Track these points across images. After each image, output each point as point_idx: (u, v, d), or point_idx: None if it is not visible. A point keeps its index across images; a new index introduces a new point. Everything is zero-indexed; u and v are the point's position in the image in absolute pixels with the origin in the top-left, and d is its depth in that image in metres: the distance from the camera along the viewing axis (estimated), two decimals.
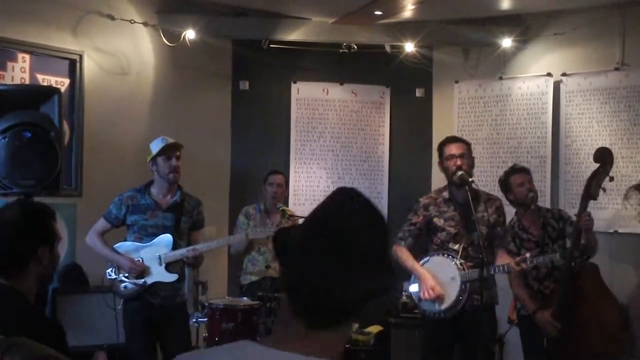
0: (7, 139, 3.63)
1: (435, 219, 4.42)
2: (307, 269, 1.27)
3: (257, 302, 4.93)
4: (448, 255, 4.37)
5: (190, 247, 4.54)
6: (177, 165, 4.51)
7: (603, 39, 5.66)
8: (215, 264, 5.95)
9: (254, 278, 5.44)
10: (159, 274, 4.48)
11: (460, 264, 4.30)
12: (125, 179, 5.54)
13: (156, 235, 4.50)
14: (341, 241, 1.27)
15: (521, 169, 4.77)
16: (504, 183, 4.73)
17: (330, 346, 1.30)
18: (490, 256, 4.29)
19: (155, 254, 4.48)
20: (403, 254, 4.42)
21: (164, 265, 4.48)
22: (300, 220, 5.55)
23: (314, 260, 1.27)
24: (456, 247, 4.37)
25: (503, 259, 4.34)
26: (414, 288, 4.47)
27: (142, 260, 4.47)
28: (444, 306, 4.32)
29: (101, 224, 4.57)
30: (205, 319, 4.90)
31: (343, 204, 1.32)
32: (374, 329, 6.03)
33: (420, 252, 4.53)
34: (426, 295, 4.29)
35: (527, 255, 4.27)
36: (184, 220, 4.58)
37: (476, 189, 4.31)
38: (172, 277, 4.51)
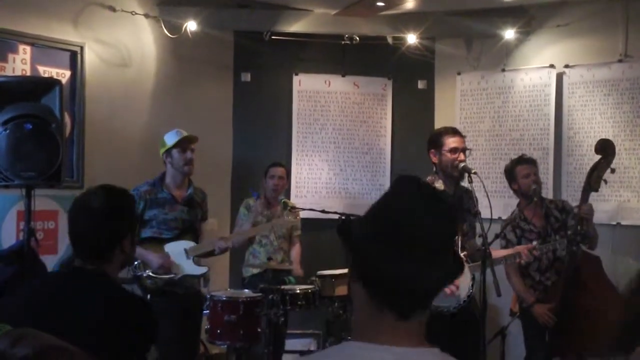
0: (8, 131, 3.62)
1: None
2: (383, 259, 1.29)
3: (259, 294, 4.93)
4: None
5: (224, 240, 4.61)
6: (192, 157, 4.52)
7: (606, 30, 5.64)
8: (217, 256, 5.94)
9: (255, 270, 5.44)
10: (188, 268, 4.47)
11: (464, 255, 4.29)
12: (126, 170, 5.54)
13: (177, 229, 4.48)
14: (411, 230, 1.30)
15: (528, 160, 4.74)
16: (510, 172, 4.71)
17: (419, 334, 1.34)
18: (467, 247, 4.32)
19: (180, 247, 4.47)
20: None
21: (192, 258, 4.47)
22: (301, 212, 5.62)
23: (388, 250, 1.29)
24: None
25: (499, 252, 4.33)
26: None
27: (169, 255, 4.45)
28: (462, 298, 4.15)
29: None
30: (207, 311, 4.90)
31: (407, 192, 1.36)
32: None
33: None
34: (453, 288, 4.06)
35: (535, 243, 4.28)
36: (198, 213, 4.62)
37: (471, 181, 4.28)
38: (202, 270, 4.54)
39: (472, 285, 4.23)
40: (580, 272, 4.32)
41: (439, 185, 4.38)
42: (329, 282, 5.12)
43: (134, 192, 4.44)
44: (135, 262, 4.41)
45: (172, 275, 4.42)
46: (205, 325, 4.97)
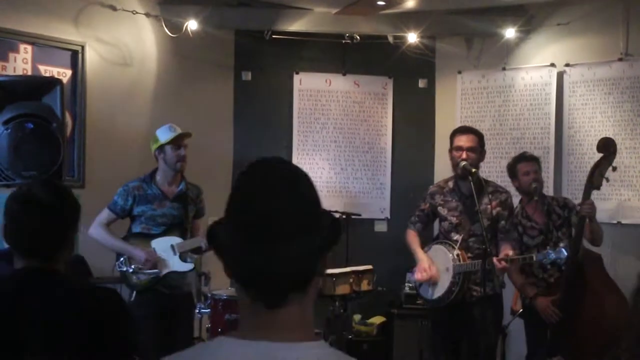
0: (9, 130, 3.62)
1: (439, 208, 4.48)
2: (238, 250, 1.25)
3: None
4: (448, 245, 4.40)
5: (205, 235, 4.53)
6: (185, 154, 4.50)
7: (607, 29, 5.64)
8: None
9: None
10: (174, 264, 4.45)
11: (457, 255, 4.31)
12: (128, 169, 5.53)
13: (165, 225, 4.47)
14: (251, 216, 1.25)
15: (530, 157, 4.75)
16: (511, 169, 4.72)
17: (303, 324, 1.28)
18: (493, 249, 4.29)
19: (167, 243, 4.46)
20: (410, 238, 4.59)
21: (178, 254, 4.45)
22: None
23: (239, 240, 1.24)
24: (457, 237, 4.38)
25: (506, 251, 4.34)
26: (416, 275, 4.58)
27: (155, 251, 4.43)
28: (436, 295, 4.40)
29: (106, 215, 4.48)
30: (208, 310, 4.91)
31: (246, 180, 1.33)
32: (377, 319, 6.04)
33: (429, 239, 4.76)
34: (418, 275, 4.42)
35: (510, 252, 4.28)
36: (190, 210, 4.58)
37: (483, 180, 4.32)
38: (188, 267, 4.50)
39: (451, 290, 4.28)
40: (583, 271, 4.32)
41: (451, 184, 4.46)
42: (329, 280, 5.11)
43: (123, 188, 4.46)
44: (121, 258, 4.41)
45: (156, 271, 4.38)
46: (206, 324, 4.97)
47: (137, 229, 4.49)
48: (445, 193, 4.49)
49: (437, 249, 4.49)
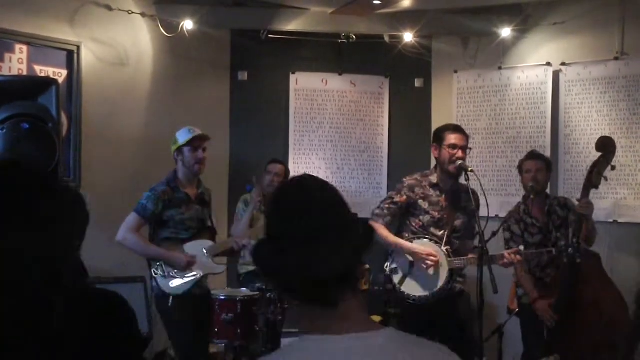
0: (4, 130, 3.61)
1: (420, 201, 4.34)
2: (284, 259, 1.37)
3: (257, 292, 4.94)
4: (434, 240, 4.32)
5: (239, 240, 4.64)
6: (204, 157, 4.44)
7: (602, 28, 5.64)
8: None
9: (251, 267, 5.44)
10: (209, 267, 4.44)
11: (447, 250, 4.30)
12: (124, 169, 5.54)
13: (193, 228, 4.42)
14: (294, 225, 1.39)
15: (536, 156, 4.77)
16: (519, 166, 4.78)
17: (361, 317, 1.40)
18: (462, 246, 4.33)
19: (199, 247, 4.43)
20: (382, 231, 4.32)
21: (210, 257, 4.45)
22: None
23: (285, 249, 1.37)
24: (439, 233, 4.33)
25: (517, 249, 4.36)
26: (393, 266, 4.37)
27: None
28: (431, 291, 4.27)
29: (136, 221, 4.31)
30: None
31: (285, 195, 1.47)
32: (374, 318, 6.03)
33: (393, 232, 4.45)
34: (428, 262, 4.20)
35: (521, 247, 4.29)
36: (208, 212, 4.58)
37: (468, 179, 4.30)
38: (221, 269, 4.53)
39: (448, 282, 4.26)
40: (580, 269, 4.32)
41: (433, 179, 4.40)
42: None
43: (152, 192, 4.32)
44: (158, 264, 4.33)
45: (197, 274, 4.36)
46: None
47: (165, 234, 4.38)
48: (425, 187, 4.38)
49: (426, 244, 4.31)
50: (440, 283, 4.28)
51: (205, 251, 4.44)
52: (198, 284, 4.41)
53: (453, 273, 4.30)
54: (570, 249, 4.25)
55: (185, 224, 4.39)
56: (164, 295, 4.30)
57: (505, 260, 4.24)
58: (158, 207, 4.29)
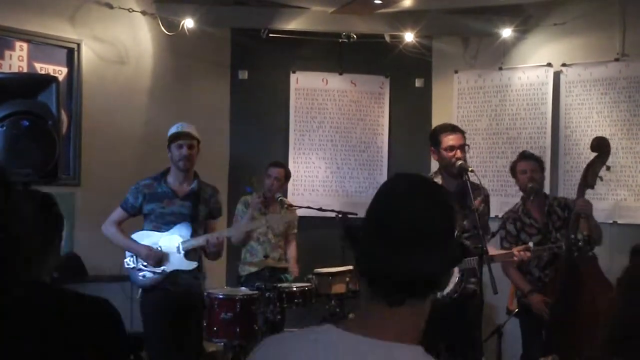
0: (4, 128, 3.60)
1: None
2: (373, 251, 1.35)
3: (256, 292, 4.93)
4: None
5: (215, 234, 4.54)
6: (187, 154, 4.45)
7: (603, 29, 5.65)
8: (213, 253, 5.93)
9: (252, 269, 5.41)
10: (178, 262, 4.44)
11: None
12: (123, 167, 5.53)
13: (174, 223, 4.46)
14: (393, 222, 1.35)
15: (528, 156, 4.73)
16: (512, 168, 4.73)
17: (409, 323, 1.36)
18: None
19: (174, 242, 4.45)
20: None
21: (182, 253, 4.44)
22: (298, 211, 5.63)
23: (376, 242, 1.34)
24: None
25: (491, 250, 4.32)
26: None
27: (161, 249, 4.43)
28: (446, 290, 4.25)
29: (118, 213, 4.51)
30: (204, 309, 4.89)
31: (393, 187, 1.42)
32: None
33: None
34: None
35: (530, 244, 4.29)
36: (201, 209, 4.55)
37: (468, 178, 4.29)
38: (191, 265, 4.49)
39: (461, 282, 4.24)
40: (578, 270, 4.32)
41: (437, 181, 4.38)
42: (325, 279, 5.12)
43: (135, 186, 4.49)
44: (130, 256, 4.45)
45: (162, 268, 4.41)
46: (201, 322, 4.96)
47: (148, 227, 4.50)
48: None
49: None
50: (452, 284, 4.25)
51: (179, 246, 4.45)
52: (171, 279, 4.42)
53: (465, 273, 4.27)
54: (580, 242, 4.24)
55: (165, 218, 4.46)
56: (137, 287, 4.47)
57: (515, 258, 4.24)
58: (137, 200, 4.45)
